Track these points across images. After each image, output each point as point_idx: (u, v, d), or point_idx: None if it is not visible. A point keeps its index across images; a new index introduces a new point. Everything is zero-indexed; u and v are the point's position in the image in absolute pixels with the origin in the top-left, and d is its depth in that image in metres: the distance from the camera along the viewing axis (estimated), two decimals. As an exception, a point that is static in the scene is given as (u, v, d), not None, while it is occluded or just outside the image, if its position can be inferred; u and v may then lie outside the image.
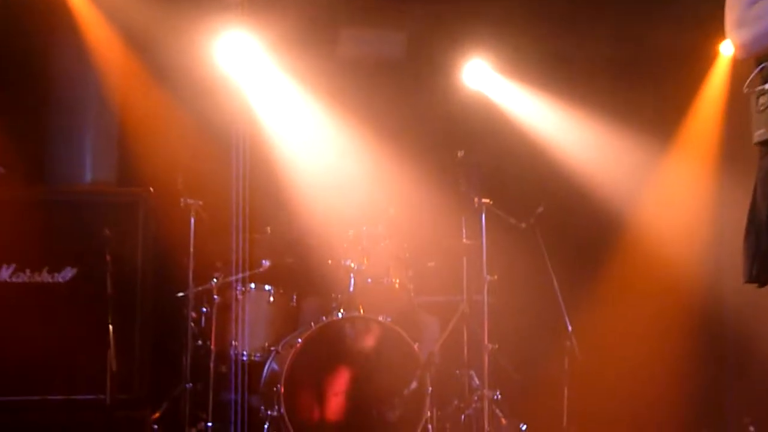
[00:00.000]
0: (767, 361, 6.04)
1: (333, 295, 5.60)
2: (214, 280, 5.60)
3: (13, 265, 5.28)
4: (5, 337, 5.15)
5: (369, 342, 5.36)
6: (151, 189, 5.60)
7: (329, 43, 6.60)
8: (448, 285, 6.09)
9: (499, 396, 5.60)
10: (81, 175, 5.89)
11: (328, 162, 6.02)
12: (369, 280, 5.60)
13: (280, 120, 6.33)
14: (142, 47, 6.02)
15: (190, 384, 5.40)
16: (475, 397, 5.61)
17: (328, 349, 5.32)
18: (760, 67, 3.01)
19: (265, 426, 5.25)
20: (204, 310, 5.63)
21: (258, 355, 5.59)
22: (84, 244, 5.30)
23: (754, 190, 3.04)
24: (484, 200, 5.77)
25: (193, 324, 5.55)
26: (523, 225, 5.89)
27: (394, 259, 5.68)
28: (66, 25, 5.79)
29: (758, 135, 3.02)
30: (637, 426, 6.25)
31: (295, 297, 5.86)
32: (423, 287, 5.94)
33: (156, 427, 5.40)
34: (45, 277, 5.31)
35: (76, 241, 5.35)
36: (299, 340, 5.28)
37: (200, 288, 5.58)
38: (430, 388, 5.31)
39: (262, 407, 5.34)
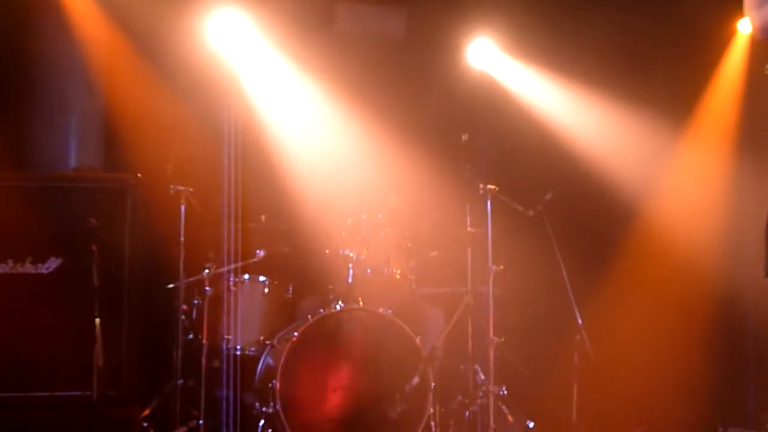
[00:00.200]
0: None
1: (331, 286, 5.59)
2: (206, 270, 5.56)
3: (-6, 256, 5.25)
4: (-14, 331, 5.13)
5: (369, 335, 5.32)
6: (139, 175, 5.52)
7: (326, 20, 6.62)
8: (451, 276, 6.06)
9: (505, 392, 5.58)
10: (65, 161, 5.83)
11: (326, 146, 6.01)
12: (368, 270, 5.57)
13: (274, 102, 6.28)
14: (129, 26, 5.97)
15: (181, 380, 5.38)
16: (480, 393, 5.60)
17: (325, 343, 5.28)
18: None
19: (260, 423, 5.22)
20: (195, 302, 5.61)
21: (252, 349, 5.57)
22: (69, 234, 5.24)
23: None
24: (489, 186, 5.72)
25: (184, 317, 5.52)
26: (531, 212, 5.87)
27: (394, 248, 5.65)
28: (48, 3, 5.74)
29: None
30: (650, 424, 6.20)
31: (291, 288, 5.82)
32: (425, 278, 5.91)
33: (145, 425, 5.37)
34: (28, 267, 5.25)
35: (60, 231, 5.28)
36: (295, 333, 5.23)
37: (191, 279, 5.54)
38: (433, 384, 5.27)
39: (257, 404, 5.30)
